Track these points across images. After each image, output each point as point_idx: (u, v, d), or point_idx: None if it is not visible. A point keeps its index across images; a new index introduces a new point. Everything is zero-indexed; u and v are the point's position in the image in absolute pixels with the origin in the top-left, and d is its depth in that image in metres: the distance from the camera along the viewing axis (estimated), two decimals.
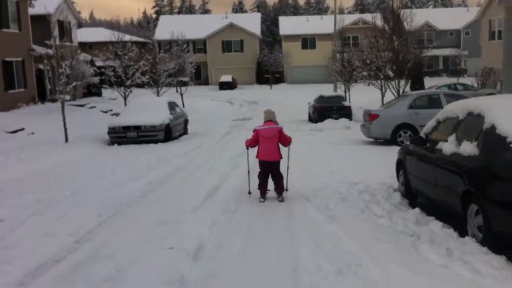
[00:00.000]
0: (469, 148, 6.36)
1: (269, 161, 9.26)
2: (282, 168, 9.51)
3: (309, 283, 5.23)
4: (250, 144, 9.54)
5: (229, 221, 7.79)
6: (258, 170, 9.51)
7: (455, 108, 7.29)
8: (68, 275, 5.73)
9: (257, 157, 9.45)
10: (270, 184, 9.50)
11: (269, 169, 9.31)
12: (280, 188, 9.32)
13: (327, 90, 32.80)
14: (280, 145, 9.46)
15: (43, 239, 7.05)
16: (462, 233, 6.44)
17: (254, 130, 9.54)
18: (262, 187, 9.35)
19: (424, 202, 8.19)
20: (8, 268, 5.96)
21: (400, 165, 9.03)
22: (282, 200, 9.17)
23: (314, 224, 7.40)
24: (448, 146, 6.92)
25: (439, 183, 7.10)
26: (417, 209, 7.67)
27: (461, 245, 6.07)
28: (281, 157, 9.41)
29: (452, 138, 6.92)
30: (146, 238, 6.98)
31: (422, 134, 8.14)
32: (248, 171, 9.91)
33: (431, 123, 7.99)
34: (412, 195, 8.50)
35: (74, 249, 6.68)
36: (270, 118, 9.60)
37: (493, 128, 6.04)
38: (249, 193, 9.61)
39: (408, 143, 9.02)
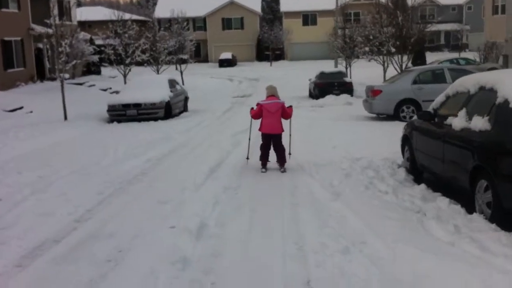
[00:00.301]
0: (480, 123, 6.16)
1: (272, 134, 9.65)
2: (284, 141, 9.84)
3: (315, 261, 5.09)
4: (254, 115, 9.90)
5: (231, 198, 7.64)
6: (260, 142, 9.84)
7: (466, 83, 7.06)
8: (68, 255, 5.59)
9: (260, 129, 9.82)
10: (271, 157, 9.82)
11: (271, 142, 9.69)
12: (282, 160, 9.65)
13: (328, 66, 32.45)
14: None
15: (41, 219, 6.90)
16: (470, 209, 6.29)
17: (258, 104, 9.88)
18: (264, 159, 9.70)
19: (430, 178, 8.04)
20: (5, 249, 5.80)
21: (406, 140, 8.84)
22: (284, 171, 9.48)
23: (319, 201, 7.25)
24: (458, 121, 6.72)
25: (447, 159, 6.93)
26: (423, 185, 7.51)
27: (469, 222, 5.92)
28: (283, 130, 9.80)
29: (462, 113, 6.71)
30: (148, 217, 6.85)
31: (430, 109, 7.92)
32: (249, 139, 10.38)
33: (440, 98, 7.77)
34: (417, 171, 8.34)
35: (74, 229, 6.53)
36: (272, 93, 9.93)
37: (506, 102, 5.83)
38: (247, 158, 10.14)
39: (414, 118, 8.82)
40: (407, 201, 6.97)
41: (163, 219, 6.70)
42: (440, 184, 7.52)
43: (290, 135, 10.22)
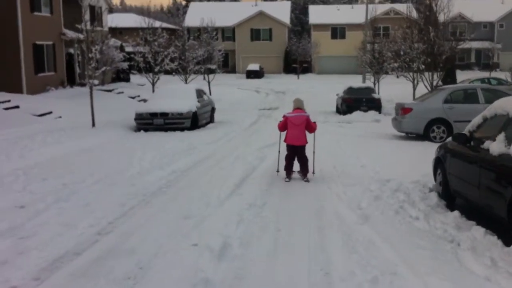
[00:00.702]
0: None
1: (296, 145, 10.12)
2: (307, 153, 10.29)
3: None
4: (280, 127, 10.43)
5: (256, 217, 7.41)
6: (285, 153, 10.32)
7: (506, 105, 6.72)
8: (87, 270, 5.45)
9: (285, 141, 10.31)
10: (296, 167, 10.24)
11: (296, 153, 10.15)
12: (305, 170, 10.13)
13: (355, 81, 32.16)
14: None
15: (63, 229, 6.79)
16: (507, 241, 5.93)
17: (284, 116, 10.41)
18: (288, 168, 10.19)
19: (463, 204, 7.71)
20: (24, 260, 5.68)
21: (438, 163, 8.50)
22: (307, 181, 9.96)
23: (346, 225, 6.97)
24: (496, 146, 6.40)
25: (483, 186, 6.60)
26: (456, 212, 7.15)
27: (507, 256, 5.57)
28: (306, 142, 10.28)
29: (501, 137, 6.39)
30: (170, 232, 6.69)
31: (465, 131, 7.61)
32: (279, 151, 10.65)
33: (476, 120, 7.45)
34: (450, 197, 7.99)
35: (95, 242, 6.40)
36: (298, 106, 10.45)
37: None
38: (277, 171, 10.45)
39: (448, 140, 8.49)
40: (440, 229, 6.65)
41: (185, 236, 6.53)
42: (475, 211, 7.18)
43: (314, 152, 10.52)
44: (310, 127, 10.27)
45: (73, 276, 5.30)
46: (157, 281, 5.14)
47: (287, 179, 10.03)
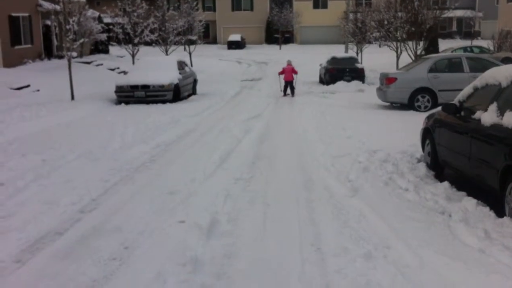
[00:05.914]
0: None
1: (288, 81, 20.54)
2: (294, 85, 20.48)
3: (337, 268, 4.69)
4: (280, 73, 21.06)
5: (243, 191, 7.24)
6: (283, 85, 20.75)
7: (497, 75, 6.57)
8: (71, 251, 5.24)
9: (284, 79, 20.62)
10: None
11: (288, 84, 20.48)
12: (292, 92, 20.46)
13: (338, 51, 31.86)
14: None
15: (44, 207, 6.55)
16: (499, 212, 5.86)
17: (282, 68, 20.93)
18: (284, 91, 20.64)
19: (452, 174, 7.62)
20: (4, 242, 5.43)
21: (427, 134, 8.38)
22: (293, 96, 20.09)
23: (336, 198, 6.82)
24: (487, 116, 6.26)
25: (474, 156, 6.49)
26: (446, 183, 7.06)
27: (499, 227, 5.48)
28: (293, 79, 20.60)
29: (493, 107, 6.25)
30: (156, 209, 6.49)
31: (455, 101, 7.47)
32: (280, 83, 21.25)
33: (466, 90, 7.30)
34: (439, 167, 7.91)
35: (77, 220, 6.17)
36: (289, 63, 21.06)
37: None
38: (281, 92, 21.05)
39: (438, 109, 8.34)
40: (430, 200, 6.55)
41: (172, 212, 6.34)
42: (464, 182, 7.10)
43: (295, 83, 20.91)
44: (294, 72, 20.60)
45: (56, 257, 5.09)
46: (143, 261, 4.96)
47: (283, 96, 20.31)
